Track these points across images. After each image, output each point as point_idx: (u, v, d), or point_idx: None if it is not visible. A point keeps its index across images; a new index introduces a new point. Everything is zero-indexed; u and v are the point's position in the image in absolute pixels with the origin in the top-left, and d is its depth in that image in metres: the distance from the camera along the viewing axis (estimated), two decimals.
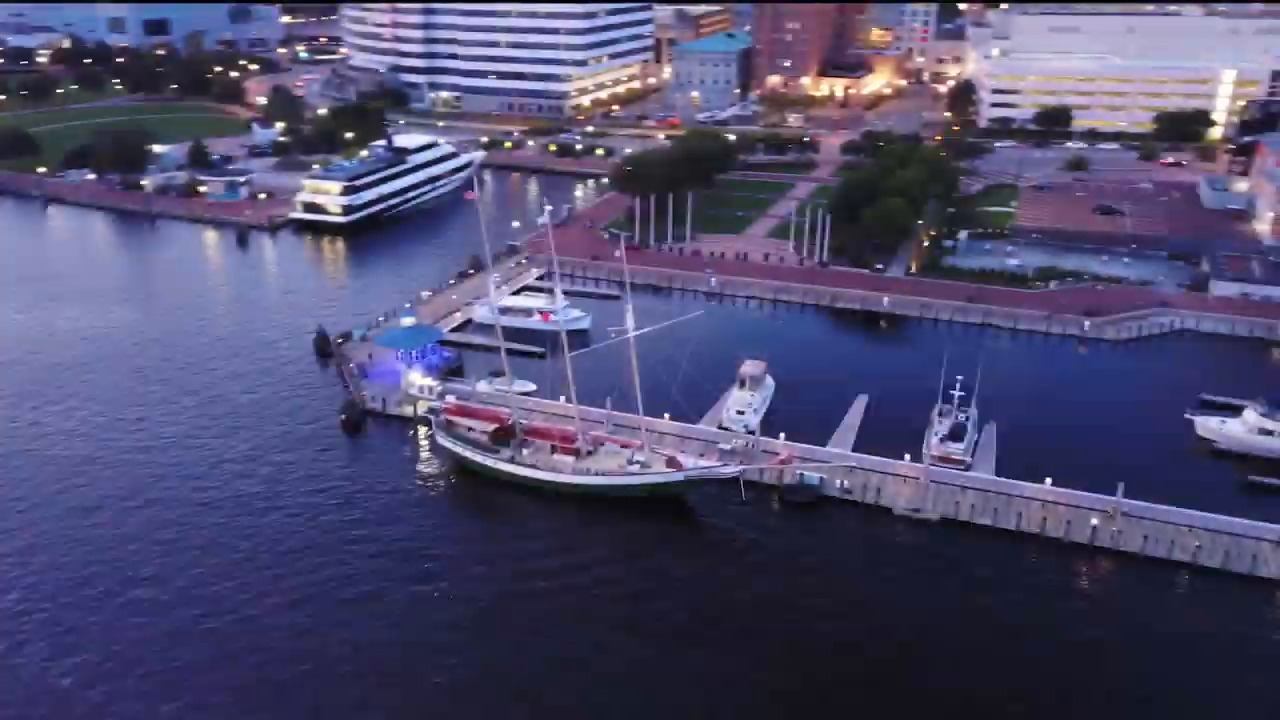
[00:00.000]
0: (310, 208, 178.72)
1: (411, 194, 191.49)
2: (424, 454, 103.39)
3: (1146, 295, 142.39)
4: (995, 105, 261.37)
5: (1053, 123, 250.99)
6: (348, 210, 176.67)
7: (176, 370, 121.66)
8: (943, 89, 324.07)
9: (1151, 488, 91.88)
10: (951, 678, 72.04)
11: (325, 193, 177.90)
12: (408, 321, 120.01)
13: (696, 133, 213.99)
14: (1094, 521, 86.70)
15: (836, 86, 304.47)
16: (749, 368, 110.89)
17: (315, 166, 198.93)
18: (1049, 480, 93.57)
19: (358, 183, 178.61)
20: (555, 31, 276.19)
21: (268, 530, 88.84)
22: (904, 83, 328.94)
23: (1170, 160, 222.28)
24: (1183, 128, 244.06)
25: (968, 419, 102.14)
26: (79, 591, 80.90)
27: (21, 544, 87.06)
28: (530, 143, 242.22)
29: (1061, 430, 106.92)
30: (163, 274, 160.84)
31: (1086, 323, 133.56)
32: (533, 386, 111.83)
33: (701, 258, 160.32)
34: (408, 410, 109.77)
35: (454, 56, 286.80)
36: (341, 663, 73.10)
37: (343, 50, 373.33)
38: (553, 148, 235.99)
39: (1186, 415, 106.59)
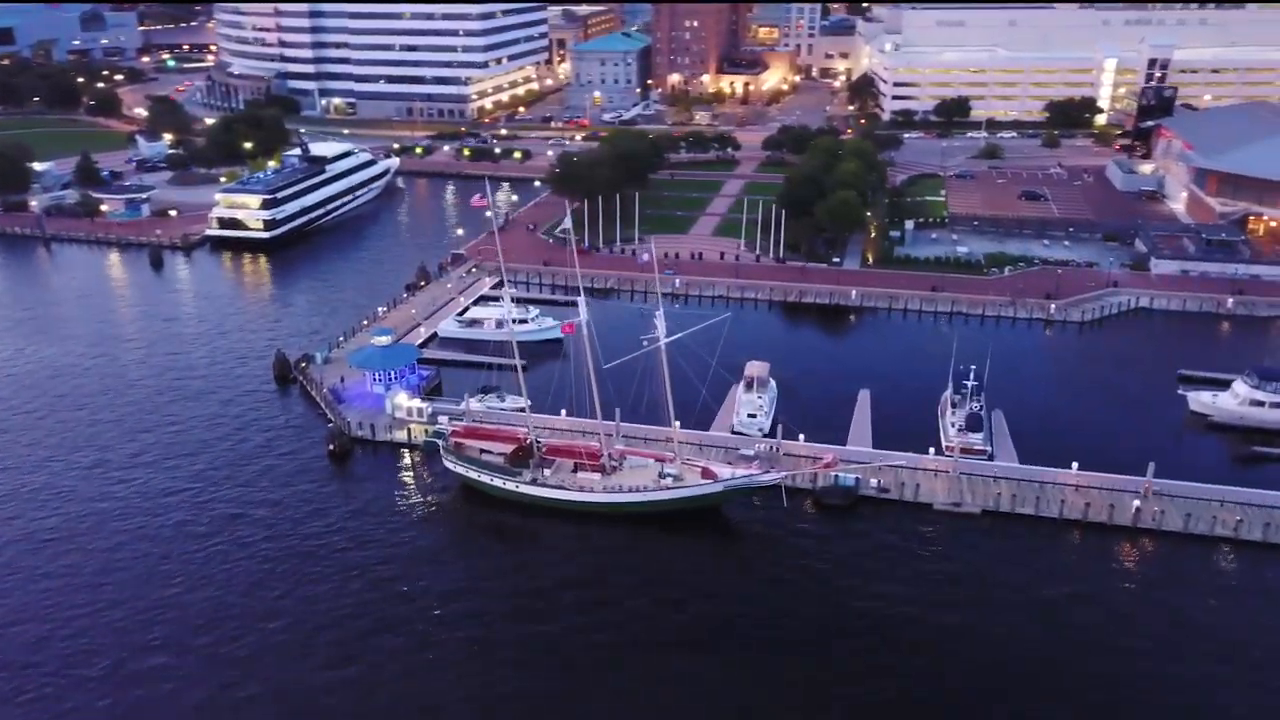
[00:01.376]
0: (228, 223, 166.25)
1: (334, 205, 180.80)
2: (425, 481, 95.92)
3: (1098, 277, 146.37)
4: (897, 98, 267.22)
5: (953, 113, 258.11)
6: (270, 225, 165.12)
7: (124, 407, 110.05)
8: (837, 84, 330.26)
9: (1164, 464, 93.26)
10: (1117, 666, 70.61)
11: (243, 207, 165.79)
12: (382, 340, 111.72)
13: (621, 132, 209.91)
14: (1136, 504, 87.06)
15: (736, 83, 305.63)
16: (754, 369, 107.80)
17: (222, 179, 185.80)
18: (1075, 465, 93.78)
19: (279, 195, 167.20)
20: (454, 33, 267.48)
21: (286, 581, 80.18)
22: (797, 78, 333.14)
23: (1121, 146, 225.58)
24: (1072, 115, 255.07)
25: (982, 408, 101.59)
26: (86, 664, 71.01)
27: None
28: (446, 147, 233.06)
29: (1057, 413, 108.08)
30: (71, 302, 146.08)
31: (1052, 306, 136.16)
32: (527, 402, 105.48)
33: (656, 259, 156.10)
34: (399, 435, 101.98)
35: (346, 61, 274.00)
36: None
37: (210, 57, 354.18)
38: (467, 152, 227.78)
39: (1180, 391, 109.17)
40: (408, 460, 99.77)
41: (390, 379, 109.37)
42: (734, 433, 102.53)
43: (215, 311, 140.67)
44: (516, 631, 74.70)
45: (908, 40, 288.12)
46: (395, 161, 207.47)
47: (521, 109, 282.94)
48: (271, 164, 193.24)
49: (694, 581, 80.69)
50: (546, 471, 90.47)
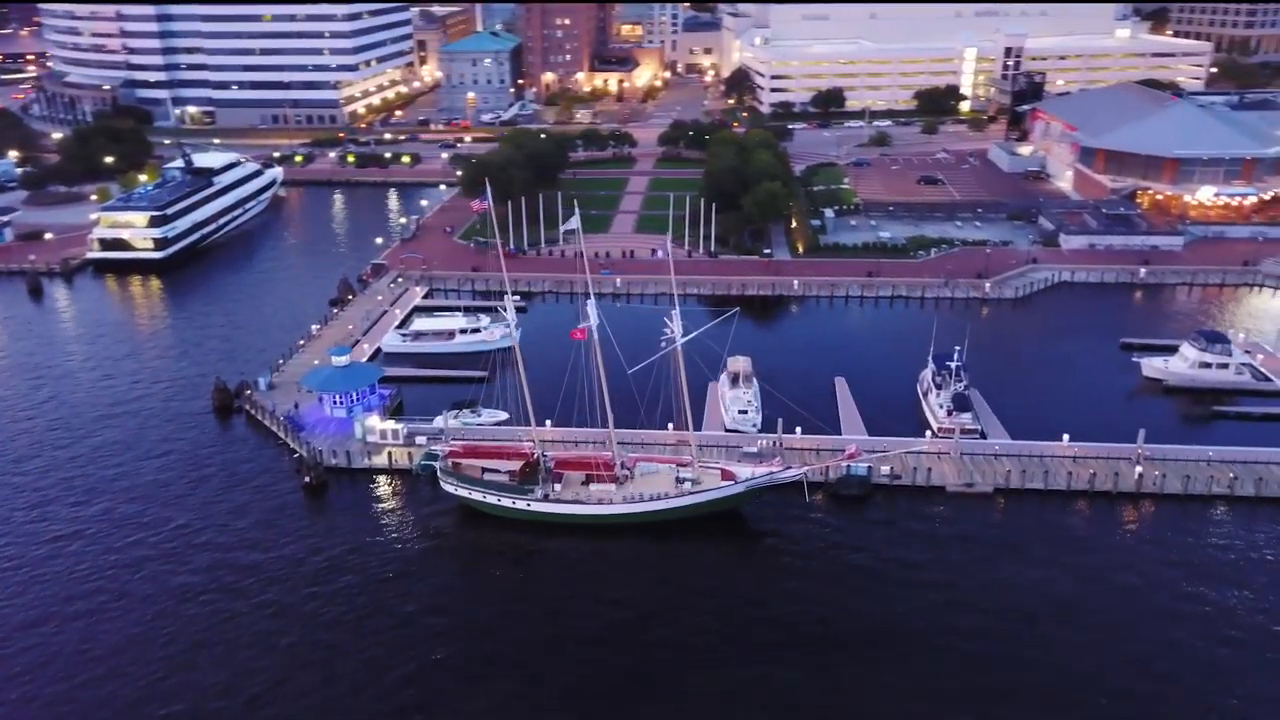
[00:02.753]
0: (112, 244, 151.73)
1: (225, 219, 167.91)
2: (417, 508, 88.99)
3: (1018, 255, 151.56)
4: (775, 90, 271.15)
5: (829, 104, 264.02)
6: (161, 243, 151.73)
7: (50, 450, 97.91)
8: (708, 79, 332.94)
9: (1138, 428, 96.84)
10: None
11: (129, 225, 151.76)
12: (340, 360, 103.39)
13: (522, 132, 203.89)
14: (1139, 470, 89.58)
15: (610, 80, 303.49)
16: (738, 365, 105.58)
17: (93, 197, 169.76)
18: (1066, 437, 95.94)
19: (168, 211, 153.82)
20: (319, 35, 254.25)
21: (299, 632, 72.43)
22: (668, 74, 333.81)
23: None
24: (938, 102, 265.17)
25: (967, 387, 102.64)
26: None
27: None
28: (332, 154, 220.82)
29: (1020, 387, 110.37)
30: None
31: (987, 284, 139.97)
32: (505, 415, 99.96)
33: (585, 259, 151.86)
34: (378, 461, 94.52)
35: (201, 67, 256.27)
36: None
37: (31, 66, 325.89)
38: (351, 158, 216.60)
39: (1134, 359, 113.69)
40: (390, 487, 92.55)
41: (352, 401, 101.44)
42: (727, 430, 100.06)
43: (120, 342, 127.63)
44: (566, 660, 69.82)
45: (777, 34, 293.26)
46: (279, 171, 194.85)
47: (398, 112, 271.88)
48: (144, 178, 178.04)
49: (742, 589, 77.53)
50: (557, 486, 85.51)
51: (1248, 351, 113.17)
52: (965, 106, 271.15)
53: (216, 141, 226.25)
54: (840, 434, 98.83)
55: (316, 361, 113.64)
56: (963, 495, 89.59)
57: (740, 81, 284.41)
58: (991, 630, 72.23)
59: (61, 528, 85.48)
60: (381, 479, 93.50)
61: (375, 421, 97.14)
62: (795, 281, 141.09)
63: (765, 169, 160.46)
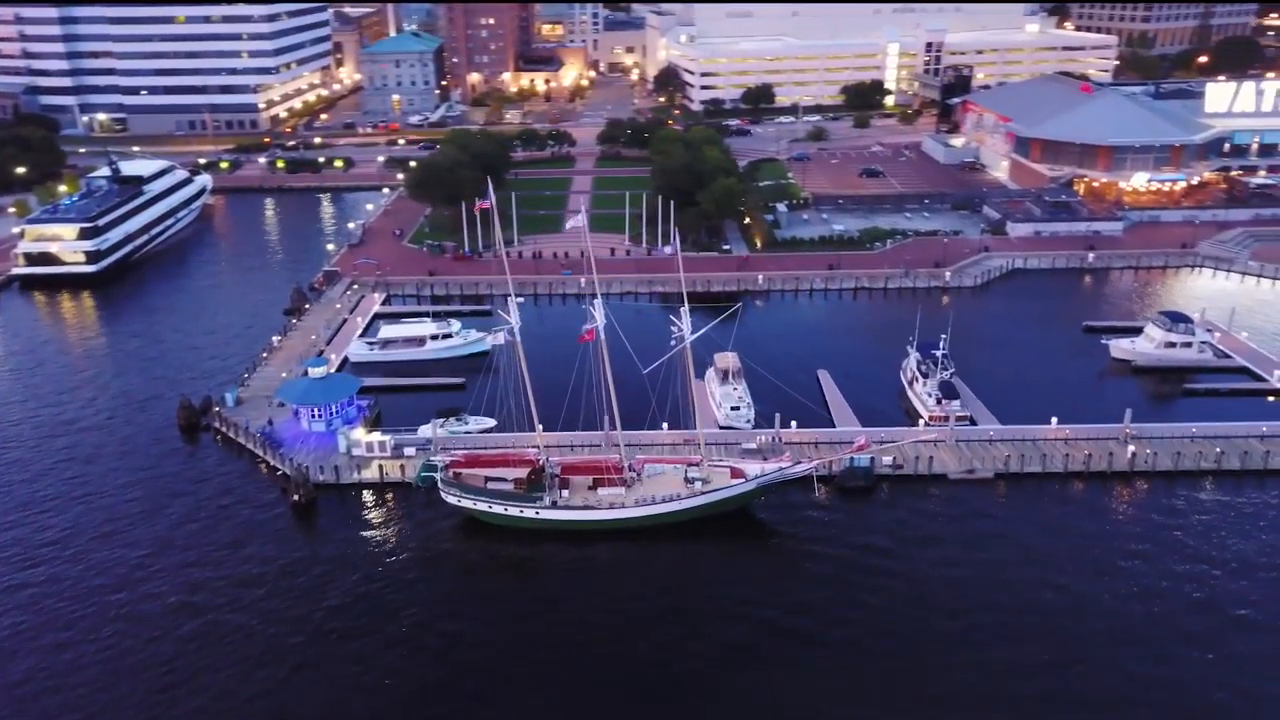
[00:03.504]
0: (39, 259, 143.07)
1: (157, 230, 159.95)
2: (416, 521, 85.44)
3: (971, 243, 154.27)
4: (705, 88, 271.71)
5: (759, 100, 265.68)
6: (94, 256, 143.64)
7: (4, 483, 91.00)
8: (634, 77, 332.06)
9: (1112, 408, 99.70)
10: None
11: (57, 239, 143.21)
12: (317, 371, 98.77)
13: (464, 133, 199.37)
14: (1131, 449, 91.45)
15: (537, 80, 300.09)
16: (725, 361, 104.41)
17: (11, 210, 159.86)
18: (1055, 420, 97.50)
19: (99, 223, 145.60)
20: (237, 37, 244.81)
21: (328, 667, 68.54)
22: (592, 74, 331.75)
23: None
24: (864, 97, 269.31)
25: (953, 375, 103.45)
26: None
27: None
28: (261, 159, 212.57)
29: (995, 373, 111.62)
30: None
31: (947, 273, 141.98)
32: (492, 422, 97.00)
33: (544, 260, 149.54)
34: (367, 475, 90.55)
35: (111, 72, 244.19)
36: None
37: None
38: (281, 164, 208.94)
39: (1103, 341, 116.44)
40: (383, 501, 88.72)
41: (331, 414, 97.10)
42: (721, 428, 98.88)
43: (62, 363, 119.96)
44: (601, 666, 67.68)
45: (702, 32, 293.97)
46: (208, 179, 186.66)
47: (323, 116, 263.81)
48: (64, 188, 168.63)
49: (766, 589, 76.12)
50: (564, 492, 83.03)
51: (1209, 330, 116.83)
52: (890, 101, 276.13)
53: (136, 149, 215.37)
54: (834, 426, 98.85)
55: (285, 374, 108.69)
56: (965, 482, 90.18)
57: (669, 80, 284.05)
58: (1034, 618, 72.38)
59: (40, 570, 79.50)
60: (371, 493, 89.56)
61: (361, 434, 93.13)
62: (760, 276, 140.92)
63: (719, 165, 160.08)
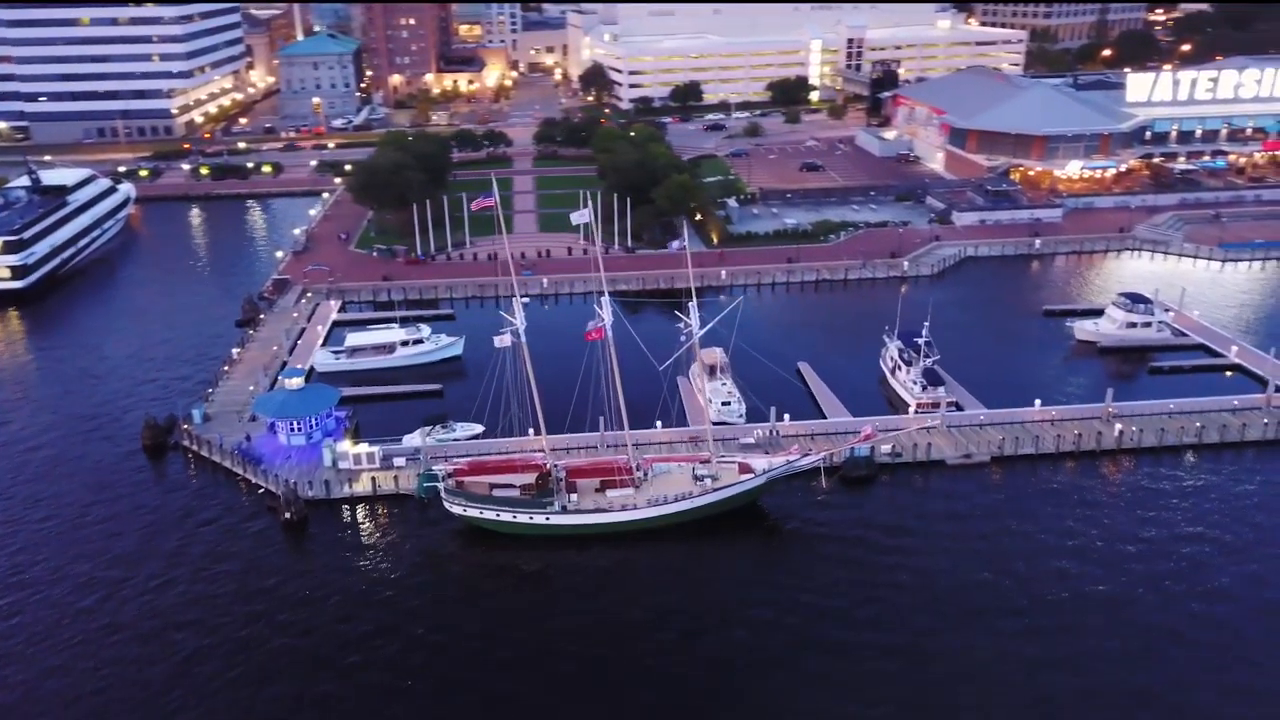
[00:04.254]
0: None
1: (84, 242, 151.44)
2: (414, 534, 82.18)
3: (922, 233, 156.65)
4: (633, 86, 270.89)
5: (688, 98, 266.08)
6: (21, 271, 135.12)
7: None
8: (558, 77, 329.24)
9: (1091, 388, 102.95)
10: None
11: None
12: (294, 382, 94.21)
13: (401, 134, 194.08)
14: (1119, 427, 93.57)
15: (460, 81, 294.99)
16: (713, 357, 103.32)
17: None
18: (1038, 402, 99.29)
19: (24, 236, 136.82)
20: (147, 40, 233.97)
21: (326, 680, 65.06)
22: (514, 74, 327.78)
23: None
24: (790, 93, 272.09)
25: (935, 361, 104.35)
26: None
27: None
28: (185, 166, 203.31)
29: (967, 359, 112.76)
30: None
31: (905, 262, 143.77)
32: (480, 428, 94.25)
33: (501, 262, 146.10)
34: (359, 489, 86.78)
35: (10, 77, 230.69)
36: None
37: None
38: (205, 170, 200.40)
39: (1068, 324, 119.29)
40: (378, 515, 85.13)
41: (311, 427, 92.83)
42: (715, 424, 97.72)
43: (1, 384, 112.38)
44: (630, 675, 65.96)
45: (626, 31, 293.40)
46: (131, 188, 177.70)
47: (242, 120, 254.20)
48: None
49: (787, 583, 75.26)
50: (573, 496, 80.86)
51: (1167, 310, 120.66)
52: (815, 97, 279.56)
53: (48, 158, 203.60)
54: (825, 418, 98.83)
55: (253, 388, 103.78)
56: (963, 467, 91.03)
57: (596, 79, 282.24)
58: (1066, 593, 73.49)
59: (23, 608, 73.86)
60: (364, 507, 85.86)
61: (348, 446, 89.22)
62: (723, 272, 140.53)
63: (671, 162, 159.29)
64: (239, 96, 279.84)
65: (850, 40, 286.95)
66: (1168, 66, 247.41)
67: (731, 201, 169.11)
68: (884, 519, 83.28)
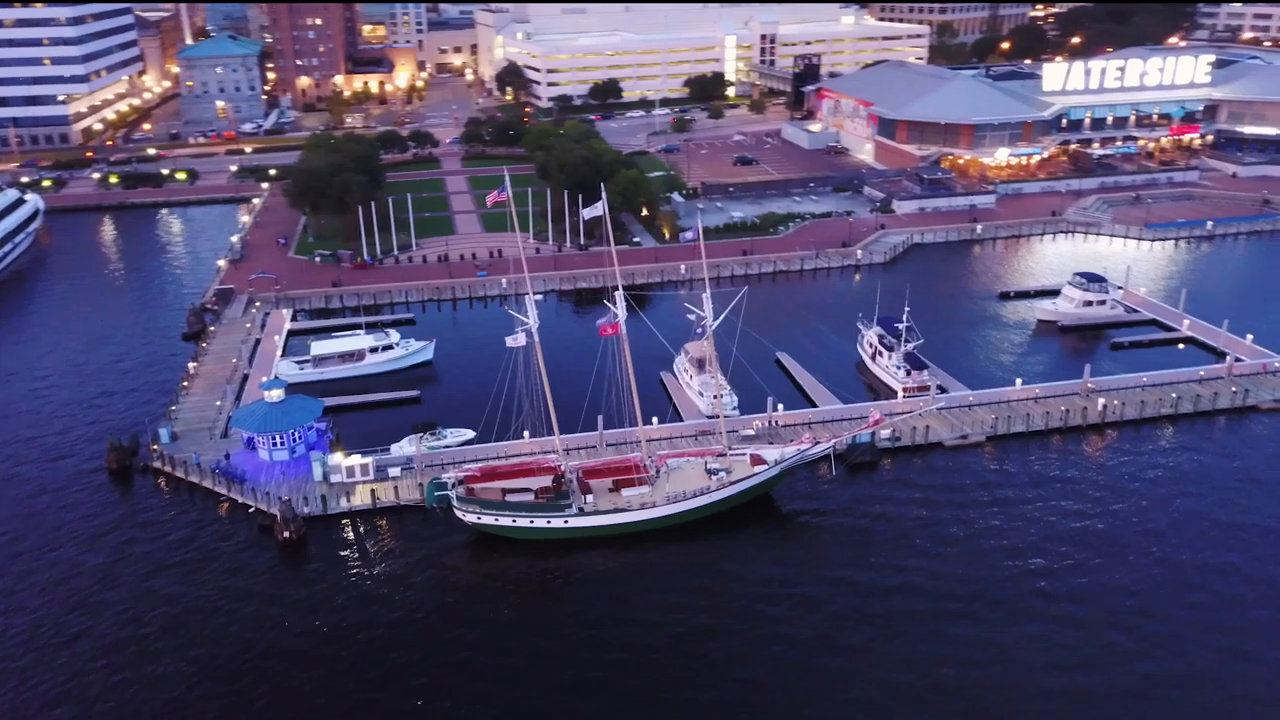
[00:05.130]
0: None
1: None
2: (422, 544, 78.66)
3: (868, 222, 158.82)
4: (551, 85, 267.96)
5: (608, 95, 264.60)
6: None
7: None
8: (470, 77, 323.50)
9: (1060, 365, 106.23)
10: None
11: None
12: (274, 394, 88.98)
13: (327, 136, 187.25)
14: (1102, 402, 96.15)
15: (371, 83, 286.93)
16: (701, 349, 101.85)
17: None
18: (1019, 381, 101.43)
19: None
20: (37, 43, 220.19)
21: (368, 704, 61.59)
22: (425, 75, 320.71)
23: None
24: (707, 89, 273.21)
25: (916, 347, 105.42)
26: None
27: None
28: (94, 175, 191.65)
29: (936, 344, 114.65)
30: None
31: (859, 251, 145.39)
32: (471, 434, 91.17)
33: (453, 262, 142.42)
34: (358, 502, 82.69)
35: None
36: None
37: None
38: (114, 179, 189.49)
39: (1031, 304, 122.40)
40: (381, 528, 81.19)
41: (294, 440, 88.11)
42: (709, 417, 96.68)
43: None
44: (665, 682, 64.45)
45: (538, 29, 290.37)
46: (39, 199, 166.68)
47: (146, 126, 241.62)
48: None
49: (819, 573, 74.73)
50: (589, 498, 78.64)
51: (1119, 288, 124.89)
52: (731, 92, 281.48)
53: None
54: (816, 406, 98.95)
55: (219, 402, 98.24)
56: (960, 447, 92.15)
57: (513, 77, 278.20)
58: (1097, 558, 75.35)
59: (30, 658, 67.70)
60: (364, 521, 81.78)
61: (340, 459, 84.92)
62: (682, 266, 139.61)
63: (617, 158, 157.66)
64: (136, 101, 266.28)
65: (764, 36, 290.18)
66: (1060, 57, 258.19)
67: (676, 196, 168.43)
68: (902, 502, 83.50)
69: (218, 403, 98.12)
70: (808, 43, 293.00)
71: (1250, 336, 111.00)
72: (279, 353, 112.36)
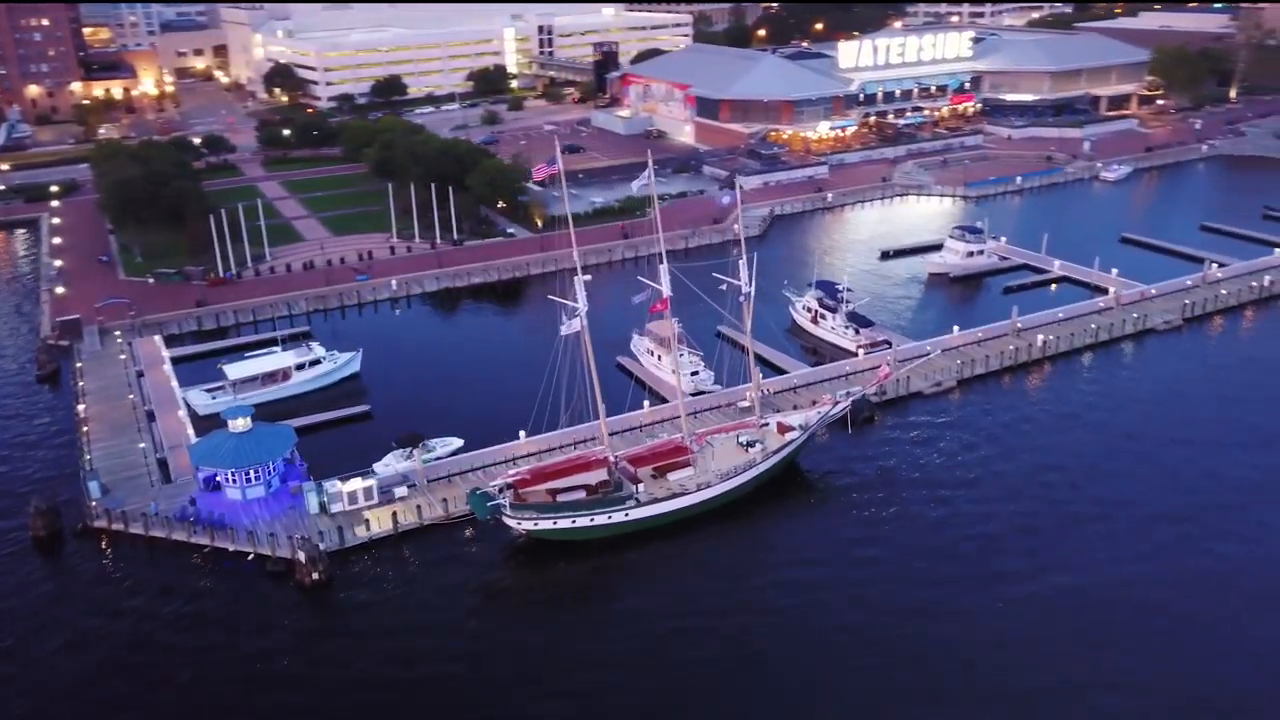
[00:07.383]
0: None
1: None
2: (465, 563, 71.10)
3: (727, 201, 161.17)
4: (330, 84, 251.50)
5: (391, 93, 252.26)
6: None
7: None
8: (226, 79, 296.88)
9: (964, 312, 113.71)
10: None
11: None
12: (240, 424, 76.48)
13: (119, 145, 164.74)
14: (1042, 338, 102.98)
15: (114, 89, 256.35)
16: (665, 329, 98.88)
17: None
18: (956, 328, 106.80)
19: None
20: None
21: None
22: (172, 80, 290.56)
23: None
24: (492, 82, 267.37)
25: (854, 306, 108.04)
26: None
27: None
28: None
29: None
30: None
31: (735, 226, 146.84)
32: (460, 442, 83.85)
33: (321, 269, 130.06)
34: (378, 529, 73.20)
35: None
36: None
37: None
38: None
39: (921, 259, 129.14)
40: (402, 556, 72.31)
41: (270, 473, 76.73)
42: (691, 396, 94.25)
43: None
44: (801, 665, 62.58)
45: (301, 26, 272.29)
46: None
47: None
48: None
49: (882, 536, 74.92)
50: (639, 487, 74.11)
51: (995, 238, 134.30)
52: (515, 84, 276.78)
53: None
54: (790, 372, 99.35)
55: (142, 445, 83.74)
56: (936, 394, 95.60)
57: (283, 77, 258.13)
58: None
59: None
60: (388, 549, 72.64)
61: (340, 486, 74.79)
62: (574, 254, 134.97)
63: (475, 148, 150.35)
64: None
65: (541, 28, 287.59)
66: (805, 42, 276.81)
67: (532, 186, 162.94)
68: (919, 450, 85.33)
69: (140, 445, 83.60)
70: (582, 33, 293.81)
71: (1115, 270, 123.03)
72: (174, 383, 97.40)
